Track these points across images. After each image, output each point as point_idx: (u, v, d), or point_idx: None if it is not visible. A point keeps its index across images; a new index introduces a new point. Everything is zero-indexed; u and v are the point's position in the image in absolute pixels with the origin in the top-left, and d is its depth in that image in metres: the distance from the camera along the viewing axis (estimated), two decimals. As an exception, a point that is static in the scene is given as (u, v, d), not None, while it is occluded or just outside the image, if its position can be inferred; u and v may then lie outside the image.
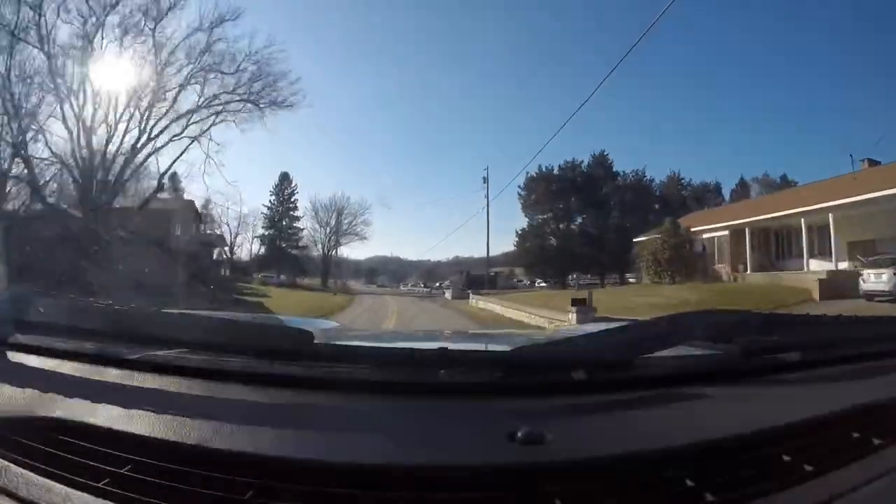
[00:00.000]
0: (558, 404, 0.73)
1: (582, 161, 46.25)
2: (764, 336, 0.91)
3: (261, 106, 23.11)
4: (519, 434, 0.62)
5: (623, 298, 16.91)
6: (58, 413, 0.69)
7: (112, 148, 20.25)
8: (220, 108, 22.54)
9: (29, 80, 18.53)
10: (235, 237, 47.69)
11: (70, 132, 19.07)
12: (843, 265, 17.09)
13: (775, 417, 0.69)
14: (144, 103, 20.91)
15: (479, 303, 22.79)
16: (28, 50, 18.51)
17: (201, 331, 0.92)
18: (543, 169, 45.59)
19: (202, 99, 22.21)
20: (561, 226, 45.95)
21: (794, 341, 0.94)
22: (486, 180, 39.78)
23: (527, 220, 46.98)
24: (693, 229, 23.69)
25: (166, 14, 21.02)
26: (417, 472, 0.57)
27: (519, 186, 46.08)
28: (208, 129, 22.44)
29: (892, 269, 13.13)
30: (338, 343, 0.92)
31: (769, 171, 51.24)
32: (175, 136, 21.67)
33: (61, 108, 19.11)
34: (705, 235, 24.19)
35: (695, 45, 65.55)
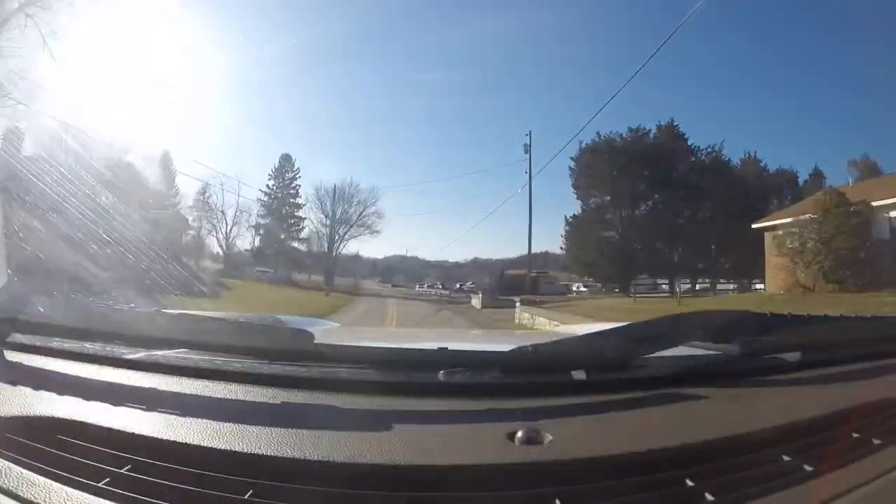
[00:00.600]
0: (558, 404, 0.73)
1: (649, 130, 33.31)
2: (763, 336, 0.91)
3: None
4: (519, 434, 0.62)
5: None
6: (58, 413, 0.69)
7: None
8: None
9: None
10: (231, 228, 42.02)
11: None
12: None
13: (775, 417, 0.69)
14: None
15: (539, 319, 12.99)
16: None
17: (201, 331, 0.92)
18: (600, 137, 32.68)
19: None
20: (624, 212, 33.04)
21: (793, 341, 0.94)
22: (527, 149, 28.54)
23: (579, 202, 34.33)
24: (874, 203, 14.02)
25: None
26: (417, 472, 0.57)
27: (571, 159, 33.52)
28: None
29: None
30: (338, 343, 0.91)
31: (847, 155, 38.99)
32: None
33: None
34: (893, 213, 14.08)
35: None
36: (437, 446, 0.60)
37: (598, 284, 34.41)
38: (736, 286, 29.80)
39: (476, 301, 25.60)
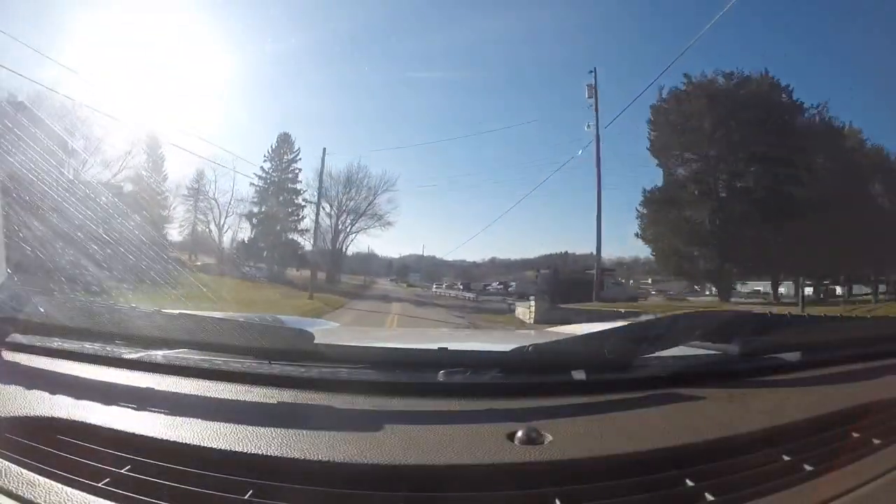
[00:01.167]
0: (558, 404, 0.73)
1: (748, 75, 23.47)
2: (763, 336, 0.92)
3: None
4: (519, 434, 0.62)
5: None
6: (58, 413, 0.69)
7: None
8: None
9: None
10: (225, 218, 36.07)
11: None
12: None
13: (775, 417, 0.69)
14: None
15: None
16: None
17: (201, 331, 0.92)
18: (690, 80, 23.32)
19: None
20: (726, 184, 23.23)
21: (793, 342, 0.94)
22: (593, 90, 20.08)
23: (661, 170, 24.73)
24: None
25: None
26: (417, 472, 0.57)
27: (651, 107, 24.39)
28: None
29: None
30: (338, 344, 0.91)
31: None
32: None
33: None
34: None
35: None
36: (437, 446, 0.60)
37: (684, 283, 26.67)
38: (891, 290, 21.21)
39: (524, 310, 17.12)
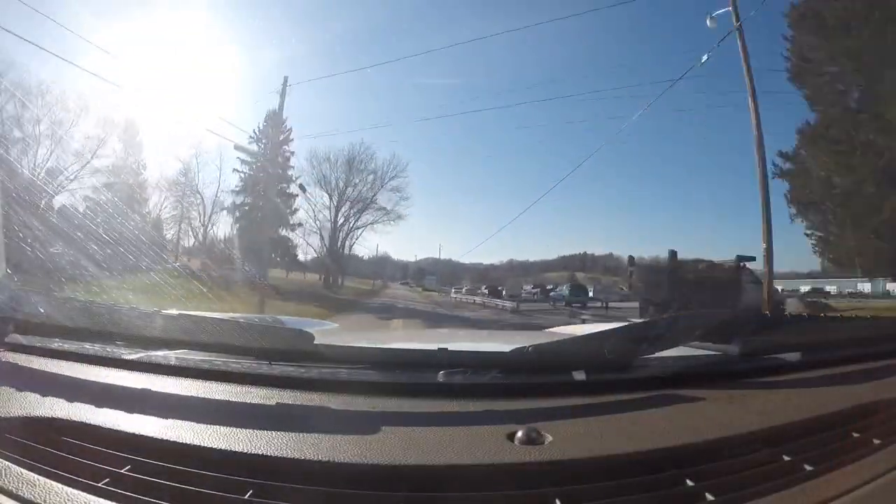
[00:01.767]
0: (558, 405, 0.73)
1: None
2: (763, 336, 0.92)
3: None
4: (519, 434, 0.62)
5: None
6: (58, 413, 0.69)
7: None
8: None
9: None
10: (210, 215, 29.86)
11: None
12: None
13: (775, 418, 0.69)
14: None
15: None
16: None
17: (201, 331, 0.92)
18: None
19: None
20: None
21: (793, 342, 0.94)
22: None
23: (807, 104, 17.07)
24: None
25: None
26: (417, 472, 0.57)
27: (792, 9, 16.99)
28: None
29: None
30: (338, 344, 0.91)
31: None
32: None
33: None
34: None
35: None
36: (437, 447, 0.60)
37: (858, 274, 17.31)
38: None
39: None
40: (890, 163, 14.30)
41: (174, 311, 1.02)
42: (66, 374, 0.86)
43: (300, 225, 31.75)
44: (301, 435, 0.62)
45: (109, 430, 0.65)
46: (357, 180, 32.86)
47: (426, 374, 0.81)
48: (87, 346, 0.93)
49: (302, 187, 29.94)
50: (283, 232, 30.92)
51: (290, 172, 30.57)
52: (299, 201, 30.85)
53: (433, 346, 0.95)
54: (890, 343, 1.05)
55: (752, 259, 12.39)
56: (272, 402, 0.74)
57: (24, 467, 0.60)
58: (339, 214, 33.05)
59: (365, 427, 0.65)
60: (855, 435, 0.68)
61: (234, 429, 0.63)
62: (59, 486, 0.56)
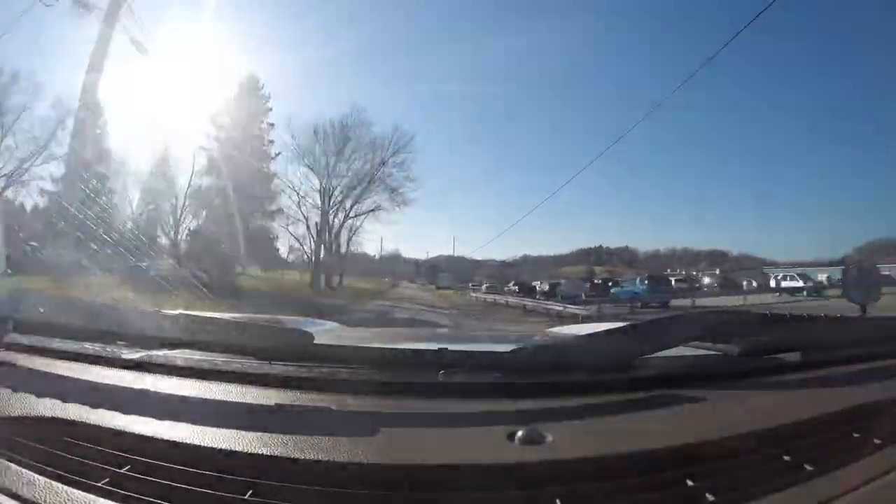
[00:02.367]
0: (558, 405, 0.73)
1: None
2: (763, 336, 0.91)
3: None
4: (519, 434, 0.62)
5: None
6: (58, 413, 0.69)
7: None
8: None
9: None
10: (184, 207, 23.64)
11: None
12: None
13: (775, 418, 0.69)
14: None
15: None
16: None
17: (201, 331, 0.92)
18: None
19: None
20: None
21: (793, 341, 0.94)
22: None
23: None
24: None
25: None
26: (418, 472, 0.57)
27: None
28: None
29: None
30: (338, 344, 0.91)
31: None
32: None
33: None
34: None
35: None
36: (437, 447, 0.60)
37: None
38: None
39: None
40: None
41: (174, 311, 1.02)
42: (66, 374, 0.86)
43: (280, 211, 26.25)
44: (301, 435, 0.62)
45: (109, 429, 0.65)
46: (352, 153, 26.41)
47: (426, 374, 0.81)
48: (87, 346, 0.93)
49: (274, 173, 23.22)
50: (260, 221, 25.75)
51: (267, 149, 24.70)
52: (276, 181, 25.32)
53: (433, 346, 0.95)
54: (890, 343, 1.05)
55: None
56: (272, 401, 0.74)
57: (24, 467, 0.60)
58: (331, 201, 26.61)
59: (365, 427, 0.65)
60: (855, 435, 0.68)
61: (234, 429, 0.63)
62: (60, 485, 0.56)
